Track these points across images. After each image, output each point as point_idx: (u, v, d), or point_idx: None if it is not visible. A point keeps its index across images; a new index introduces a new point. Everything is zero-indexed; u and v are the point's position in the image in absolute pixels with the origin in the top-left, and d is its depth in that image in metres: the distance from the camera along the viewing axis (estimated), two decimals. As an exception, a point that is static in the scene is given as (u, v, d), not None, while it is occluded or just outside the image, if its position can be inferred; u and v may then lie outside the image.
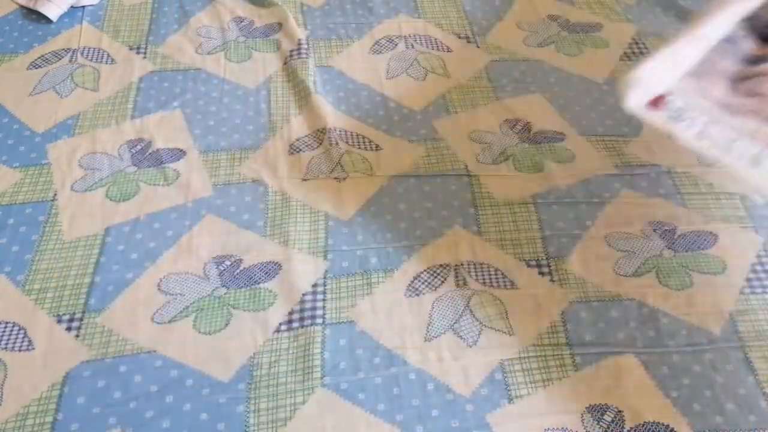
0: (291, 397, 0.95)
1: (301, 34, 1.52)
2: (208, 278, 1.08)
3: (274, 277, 1.08)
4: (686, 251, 1.14)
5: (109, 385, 0.95)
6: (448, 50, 1.53)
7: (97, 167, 1.24)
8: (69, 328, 1.01)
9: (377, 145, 1.30)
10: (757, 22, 1.06)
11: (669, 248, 1.14)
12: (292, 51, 1.48)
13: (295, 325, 1.03)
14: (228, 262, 1.10)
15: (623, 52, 1.53)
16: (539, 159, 1.28)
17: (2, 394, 0.94)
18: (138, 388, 0.95)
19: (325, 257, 1.12)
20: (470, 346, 1.01)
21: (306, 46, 1.48)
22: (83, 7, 1.58)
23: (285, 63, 1.47)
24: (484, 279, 1.09)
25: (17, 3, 1.58)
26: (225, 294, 1.06)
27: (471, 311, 1.05)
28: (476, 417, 0.93)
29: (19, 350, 0.99)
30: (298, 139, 1.30)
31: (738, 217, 1.20)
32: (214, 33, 1.54)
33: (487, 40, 1.56)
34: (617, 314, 1.05)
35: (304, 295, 1.06)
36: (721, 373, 0.99)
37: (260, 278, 1.08)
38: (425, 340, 1.01)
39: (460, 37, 1.56)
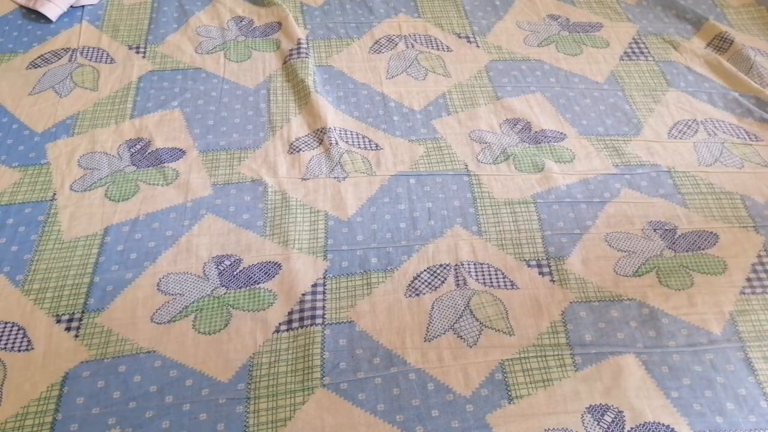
0: (291, 397, 0.94)
1: (300, 33, 1.52)
2: (208, 278, 1.08)
3: (273, 277, 1.08)
4: (686, 251, 1.14)
5: (109, 386, 0.95)
6: (448, 50, 1.52)
7: (97, 167, 1.24)
8: (68, 328, 1.01)
9: (377, 145, 1.30)
10: None
11: (669, 248, 1.14)
12: (291, 50, 1.48)
13: (295, 325, 1.02)
14: (227, 262, 1.10)
15: (623, 52, 1.54)
16: (539, 159, 1.28)
17: (2, 394, 0.94)
18: (137, 388, 0.95)
19: (325, 257, 1.11)
20: (470, 346, 1.00)
21: (306, 46, 1.48)
22: (83, 6, 1.58)
23: (285, 62, 1.46)
24: (484, 279, 1.09)
25: (17, 3, 1.58)
26: (224, 294, 1.06)
27: (471, 311, 1.04)
28: (476, 417, 0.93)
29: (19, 350, 0.98)
30: (297, 139, 1.30)
31: (738, 217, 1.20)
32: (213, 32, 1.54)
33: (487, 40, 1.56)
34: (617, 314, 1.05)
35: (303, 295, 1.06)
36: (722, 373, 0.98)
37: (260, 278, 1.08)
38: (425, 341, 1.01)
39: (460, 37, 1.56)
